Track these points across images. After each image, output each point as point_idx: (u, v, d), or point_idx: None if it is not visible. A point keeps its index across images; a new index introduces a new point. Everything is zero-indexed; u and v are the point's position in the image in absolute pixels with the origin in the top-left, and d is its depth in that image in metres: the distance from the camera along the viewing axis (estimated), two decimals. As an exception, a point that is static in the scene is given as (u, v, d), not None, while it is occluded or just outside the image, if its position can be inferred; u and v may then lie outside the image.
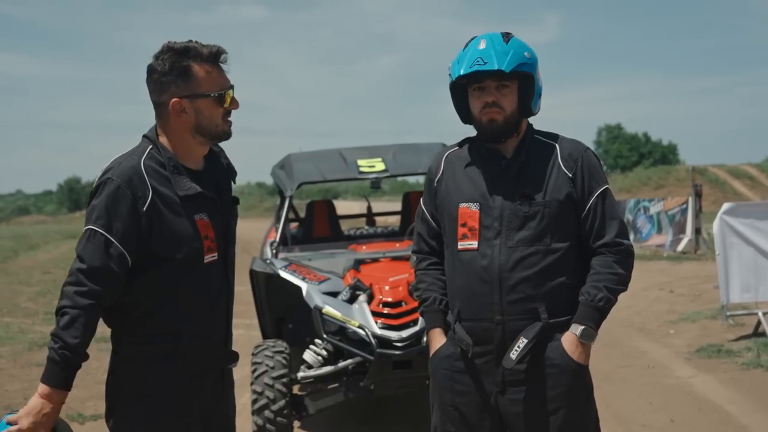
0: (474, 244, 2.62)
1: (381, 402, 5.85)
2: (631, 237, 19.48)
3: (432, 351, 2.76)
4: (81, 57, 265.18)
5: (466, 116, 2.73)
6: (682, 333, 8.44)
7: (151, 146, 2.46)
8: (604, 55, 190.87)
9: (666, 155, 66.31)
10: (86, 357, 2.29)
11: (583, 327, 2.55)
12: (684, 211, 17.49)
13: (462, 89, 2.69)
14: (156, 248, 2.37)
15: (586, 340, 2.56)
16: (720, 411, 5.56)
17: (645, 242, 18.50)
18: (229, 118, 2.52)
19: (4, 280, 15.85)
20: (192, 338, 2.44)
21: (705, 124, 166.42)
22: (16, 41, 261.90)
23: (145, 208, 2.34)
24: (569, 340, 2.57)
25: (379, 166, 5.82)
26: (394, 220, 9.06)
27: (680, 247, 17.01)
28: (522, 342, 2.55)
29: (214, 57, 2.48)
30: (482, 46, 2.60)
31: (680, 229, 17.60)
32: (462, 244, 2.65)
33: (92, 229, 2.31)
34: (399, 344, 4.52)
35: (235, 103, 2.52)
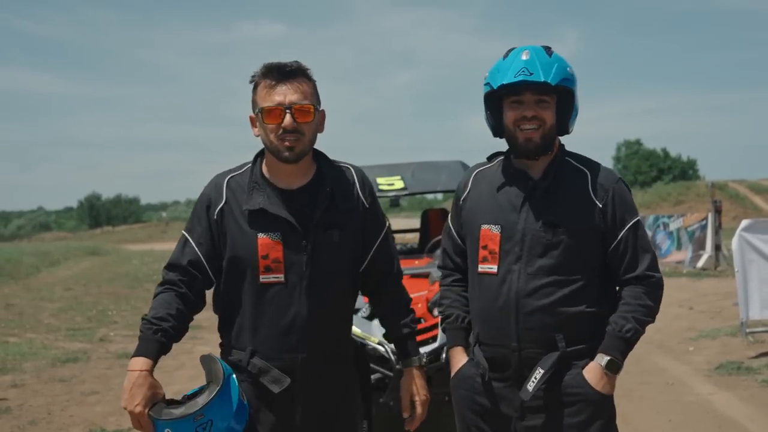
0: (494, 268, 2.54)
1: (400, 418, 5.85)
2: (651, 253, 19.56)
3: (453, 370, 2.71)
4: (101, 75, 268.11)
5: (498, 129, 2.61)
6: (701, 350, 8.41)
7: (251, 163, 2.55)
8: (622, 70, 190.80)
9: (685, 171, 65.93)
10: (159, 326, 2.34)
11: (609, 358, 2.48)
12: (704, 227, 17.41)
13: (497, 100, 2.57)
14: (224, 258, 2.48)
15: (611, 371, 2.48)
16: (740, 428, 5.55)
17: (664, 258, 18.40)
18: (284, 138, 2.39)
19: (26, 296, 15.95)
20: (253, 356, 2.44)
21: (725, 140, 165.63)
22: (37, 59, 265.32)
23: (215, 215, 2.48)
24: (594, 370, 2.49)
25: (398, 184, 5.88)
26: (413, 237, 9.07)
27: (700, 264, 16.93)
28: (539, 373, 2.47)
29: (274, 71, 2.41)
30: (526, 56, 2.48)
31: (700, 246, 17.51)
32: (482, 267, 2.57)
33: (182, 231, 2.55)
34: (418, 361, 4.54)
35: (273, 118, 2.38)
